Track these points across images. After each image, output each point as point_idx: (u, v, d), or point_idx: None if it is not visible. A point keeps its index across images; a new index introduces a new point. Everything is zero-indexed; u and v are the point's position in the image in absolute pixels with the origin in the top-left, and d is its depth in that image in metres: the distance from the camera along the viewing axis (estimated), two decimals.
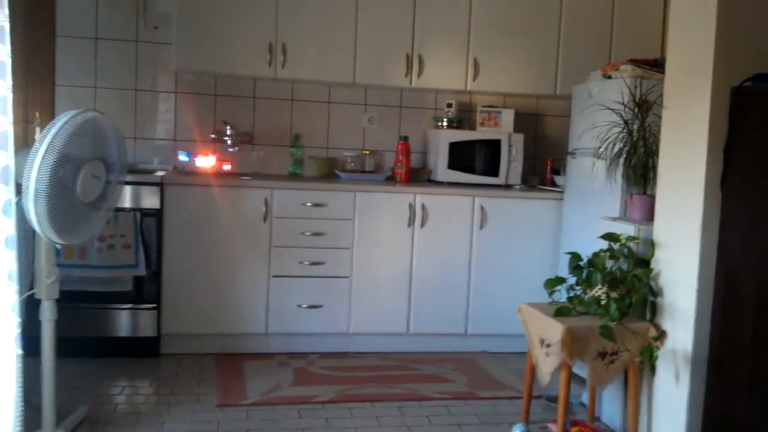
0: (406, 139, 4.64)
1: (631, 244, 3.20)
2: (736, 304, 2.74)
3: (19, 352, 2.46)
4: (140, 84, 4.56)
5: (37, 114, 4.08)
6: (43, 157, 2.52)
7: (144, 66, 4.55)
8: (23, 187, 2.50)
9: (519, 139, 4.62)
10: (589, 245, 3.35)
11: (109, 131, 2.92)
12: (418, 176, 4.69)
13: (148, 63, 4.55)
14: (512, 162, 4.60)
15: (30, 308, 2.85)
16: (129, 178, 3.79)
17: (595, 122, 3.70)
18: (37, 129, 2.67)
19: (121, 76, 4.52)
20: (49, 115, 4.17)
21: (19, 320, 2.46)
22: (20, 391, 2.50)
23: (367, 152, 4.82)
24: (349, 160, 4.75)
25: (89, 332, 3.94)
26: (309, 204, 4.17)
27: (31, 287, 2.83)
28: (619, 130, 3.49)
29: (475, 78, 4.61)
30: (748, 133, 2.71)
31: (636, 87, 3.56)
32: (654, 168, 3.30)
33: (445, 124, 4.74)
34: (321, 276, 4.20)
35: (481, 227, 4.36)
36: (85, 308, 3.92)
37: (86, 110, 2.75)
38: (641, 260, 3.17)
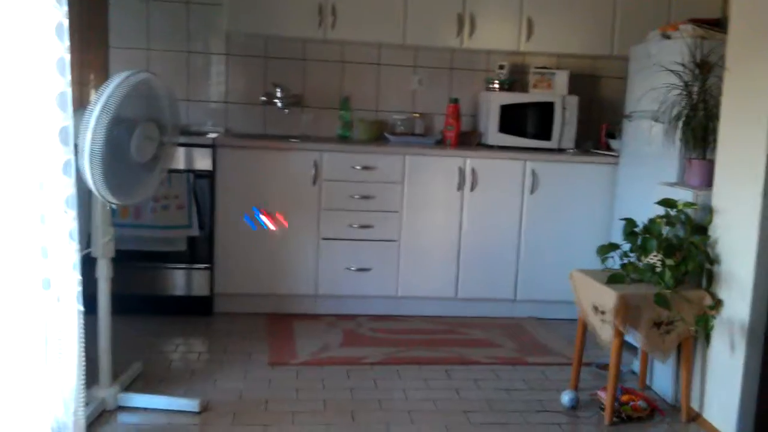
0: (456, 101, 4.58)
1: (689, 211, 3.12)
2: None
3: (81, 308, 2.53)
4: (192, 46, 4.58)
5: (92, 76, 4.16)
6: (98, 118, 2.55)
7: (196, 28, 4.57)
8: (79, 147, 2.55)
9: (573, 101, 4.51)
10: (645, 211, 3.27)
11: (161, 92, 2.94)
12: (469, 140, 4.63)
13: (200, 25, 4.57)
14: (565, 125, 4.50)
15: (87, 267, 2.92)
16: (182, 139, 3.82)
17: (654, 84, 3.58)
18: (92, 91, 2.70)
19: (174, 38, 4.55)
20: (104, 77, 4.23)
21: (80, 278, 2.52)
22: (83, 348, 2.57)
23: (417, 115, 4.77)
24: (398, 123, 4.72)
25: (144, 291, 4.05)
26: (358, 167, 4.17)
27: (88, 246, 2.90)
28: (678, 92, 3.38)
29: (528, 38, 4.50)
30: None
31: (697, 48, 3.43)
32: (714, 132, 3.19)
33: (496, 86, 4.65)
34: (369, 239, 4.21)
35: (532, 192, 4.29)
36: (140, 267, 4.02)
37: (139, 71, 2.77)
38: (699, 227, 3.09)
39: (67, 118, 2.43)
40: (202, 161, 4.04)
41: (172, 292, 4.10)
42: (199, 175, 4.03)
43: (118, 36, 4.50)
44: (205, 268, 4.10)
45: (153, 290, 4.08)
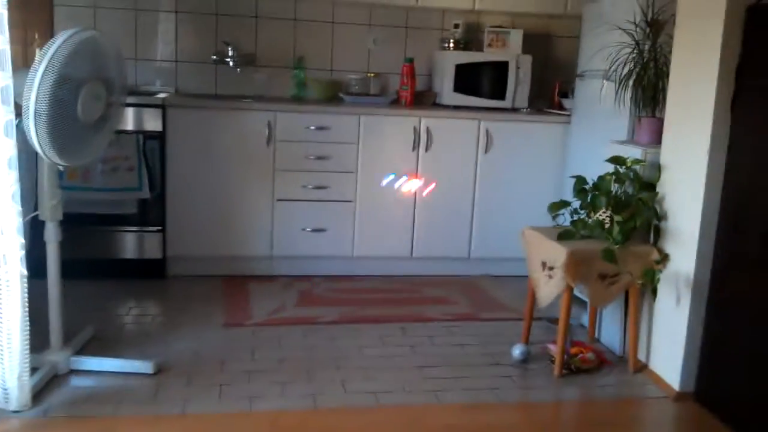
0: (411, 61, 4.55)
1: (637, 168, 3.18)
2: (741, 229, 2.73)
3: (24, 272, 2.48)
4: (140, 3, 4.44)
5: (36, 35, 4.02)
6: (42, 77, 2.47)
7: None
8: (23, 107, 2.47)
9: (527, 60, 4.52)
10: (596, 169, 3.32)
11: (108, 51, 2.85)
12: (424, 99, 4.62)
13: None
14: (519, 84, 4.52)
15: (36, 230, 2.86)
16: (131, 100, 3.77)
17: (605, 43, 3.60)
18: (37, 50, 2.61)
19: None
20: (49, 36, 4.08)
21: (23, 241, 2.46)
22: (27, 312, 2.53)
23: (372, 75, 4.73)
24: (353, 83, 4.68)
25: (95, 254, 3.98)
26: (312, 127, 4.13)
27: (36, 209, 2.83)
28: (629, 50, 3.40)
29: None
30: (762, 54, 2.64)
31: (648, 6, 3.44)
32: (664, 90, 3.24)
33: (451, 45, 4.63)
34: (325, 200, 4.19)
35: (486, 151, 4.32)
36: (90, 230, 3.94)
37: (85, 29, 2.68)
38: (647, 184, 3.15)
39: (7, 77, 2.35)
40: (152, 122, 3.95)
41: (124, 256, 4.05)
42: (149, 136, 3.94)
43: None
44: (157, 231, 4.05)
45: (104, 254, 4.02)
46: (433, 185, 4.26)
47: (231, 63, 4.52)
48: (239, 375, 2.95)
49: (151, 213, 4.02)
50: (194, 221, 4.07)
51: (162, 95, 4.10)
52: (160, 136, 3.97)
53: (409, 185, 4.18)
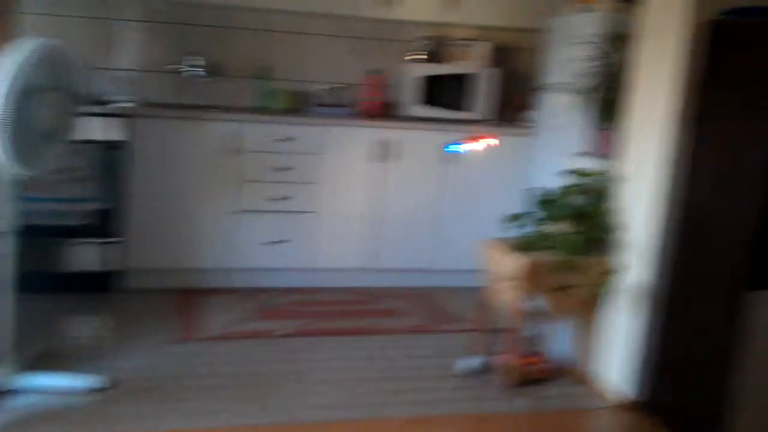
0: (378, 72, 4.54)
1: (597, 179, 3.18)
2: (696, 242, 2.74)
3: None
4: (107, 12, 4.39)
5: None
6: (0, 86, 2.43)
7: None
8: None
9: (494, 73, 4.53)
10: (558, 181, 3.32)
11: (69, 60, 2.81)
12: (389, 111, 4.60)
13: None
14: (485, 97, 4.52)
15: None
16: (94, 109, 3.72)
17: (571, 56, 3.62)
18: None
19: (87, 4, 4.35)
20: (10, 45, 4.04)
21: None
22: None
23: (339, 86, 4.71)
24: (320, 94, 4.65)
25: (49, 267, 3.88)
26: (278, 138, 4.10)
27: None
28: (594, 64, 3.42)
29: (451, 10, 4.48)
30: (719, 69, 2.66)
31: (613, 21, 3.46)
32: (624, 103, 3.24)
33: (418, 57, 4.62)
34: (288, 211, 4.16)
35: (450, 163, 4.31)
36: (47, 242, 3.86)
37: (45, 39, 2.65)
38: (606, 196, 3.15)
39: None
40: (116, 132, 3.89)
41: (81, 268, 3.95)
42: (110, 146, 3.89)
43: (28, 2, 4.28)
44: (116, 243, 3.98)
45: (61, 266, 3.93)
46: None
47: (198, 72, 4.48)
48: (194, 390, 2.90)
49: (110, 224, 3.96)
50: (155, 233, 4.01)
51: (126, 105, 4.05)
52: (121, 146, 3.91)
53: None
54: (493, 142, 3.97)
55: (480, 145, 4.06)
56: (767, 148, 2.44)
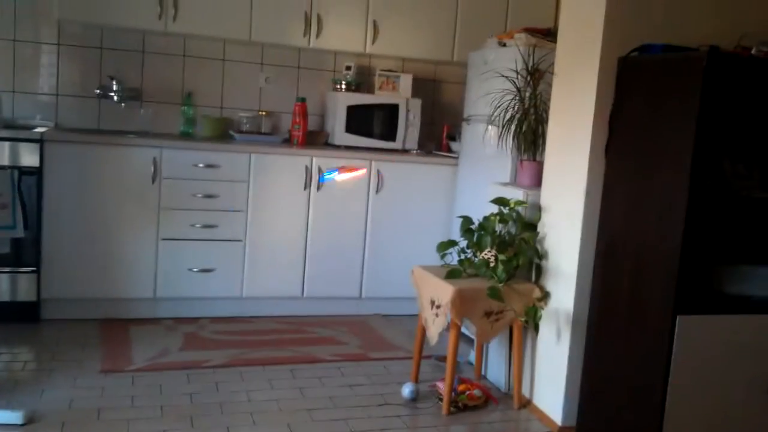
0: (303, 100, 4.57)
1: (520, 209, 3.30)
2: (616, 268, 2.86)
3: None
4: (20, 34, 4.25)
5: None
6: None
7: (24, 15, 4.24)
8: None
9: (416, 104, 4.64)
10: (481, 209, 3.43)
11: None
12: (315, 139, 4.63)
13: (28, 12, 4.24)
14: (409, 127, 4.62)
15: None
16: (6, 133, 3.60)
17: (490, 89, 3.75)
18: None
19: None
20: None
21: None
22: None
23: (263, 113, 4.71)
24: (244, 121, 4.64)
25: None
26: (201, 165, 4.05)
27: None
28: (511, 97, 3.56)
29: (374, 41, 4.58)
30: (632, 102, 2.81)
31: (529, 55, 3.62)
32: (544, 135, 3.39)
33: (343, 86, 4.68)
34: (213, 239, 4.10)
35: (378, 191, 4.37)
36: None
37: None
38: (529, 224, 3.27)
39: None
40: (29, 157, 3.76)
41: None
42: (25, 171, 3.74)
43: None
44: (31, 272, 3.82)
45: None
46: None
47: (115, 98, 4.38)
48: (118, 424, 2.80)
49: (25, 253, 3.80)
50: (72, 262, 3.87)
51: (40, 129, 3.91)
52: (37, 172, 3.77)
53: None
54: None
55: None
56: (669, 177, 2.58)
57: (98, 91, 4.38)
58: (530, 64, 3.57)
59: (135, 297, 4.02)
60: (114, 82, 4.36)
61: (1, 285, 3.79)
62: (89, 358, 3.43)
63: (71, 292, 3.91)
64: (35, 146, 3.76)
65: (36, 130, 3.89)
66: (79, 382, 3.16)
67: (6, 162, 3.71)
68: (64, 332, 3.75)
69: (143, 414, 2.91)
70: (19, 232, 3.68)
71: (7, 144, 3.70)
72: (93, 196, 3.88)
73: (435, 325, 3.13)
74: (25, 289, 3.82)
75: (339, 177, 4.17)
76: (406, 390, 3.23)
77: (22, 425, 2.70)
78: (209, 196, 4.07)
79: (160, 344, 3.69)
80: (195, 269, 4.08)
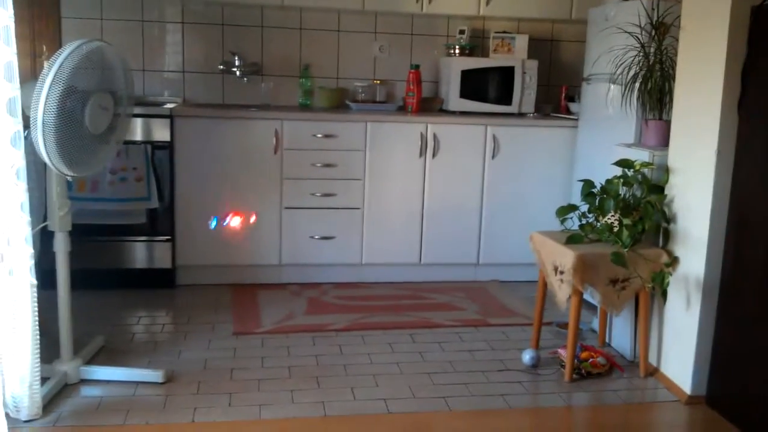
0: (417, 67, 4.56)
1: (645, 170, 3.16)
2: (750, 231, 2.71)
3: (34, 281, 2.50)
4: (147, 15, 4.48)
5: (44, 47, 4.05)
6: (50, 89, 2.49)
7: None
8: (31, 119, 2.49)
9: (533, 65, 4.52)
10: (603, 172, 3.31)
11: (115, 62, 2.87)
12: (430, 106, 4.62)
13: None
14: (526, 89, 4.51)
15: (46, 241, 2.88)
16: (139, 110, 3.79)
17: (611, 46, 3.61)
18: (45, 63, 2.64)
19: (128, 7, 4.44)
20: (56, 48, 4.10)
21: (32, 251, 2.48)
22: (37, 322, 2.54)
23: (378, 82, 4.74)
24: (359, 90, 4.69)
25: (105, 264, 4.00)
26: (320, 135, 4.14)
27: (45, 219, 2.85)
28: (635, 54, 3.40)
29: (488, 2, 4.48)
30: (767, 55, 2.63)
31: (653, 9, 3.45)
32: (670, 92, 3.23)
33: (457, 51, 4.63)
34: (333, 207, 4.20)
35: (494, 156, 4.31)
36: (100, 241, 3.97)
37: (91, 40, 2.70)
38: (655, 186, 3.13)
39: (14, 89, 2.37)
40: (160, 132, 3.98)
41: (134, 266, 4.06)
42: (157, 146, 3.97)
43: (69, 6, 4.37)
44: (166, 241, 4.06)
45: (114, 264, 4.04)
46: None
47: (237, 72, 4.54)
48: (249, 383, 2.95)
49: (160, 223, 4.04)
50: (203, 230, 4.08)
51: (169, 105, 4.12)
52: (168, 146, 3.99)
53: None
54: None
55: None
56: None
57: (221, 66, 4.55)
58: (655, 17, 3.40)
59: (261, 263, 4.20)
60: (236, 58, 4.52)
61: (139, 253, 4.06)
62: (221, 321, 3.62)
63: (203, 258, 4.14)
64: (166, 122, 3.97)
65: (166, 106, 4.10)
66: (213, 343, 3.35)
67: (140, 138, 3.94)
68: (198, 297, 3.98)
69: (273, 374, 3.05)
70: (154, 203, 3.95)
71: (140, 120, 3.92)
72: (220, 167, 4.06)
73: (562, 291, 3.07)
74: (160, 256, 4.07)
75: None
76: (527, 356, 3.21)
77: (162, 383, 2.90)
78: (328, 165, 4.16)
79: (287, 308, 3.84)
80: (316, 236, 4.20)
